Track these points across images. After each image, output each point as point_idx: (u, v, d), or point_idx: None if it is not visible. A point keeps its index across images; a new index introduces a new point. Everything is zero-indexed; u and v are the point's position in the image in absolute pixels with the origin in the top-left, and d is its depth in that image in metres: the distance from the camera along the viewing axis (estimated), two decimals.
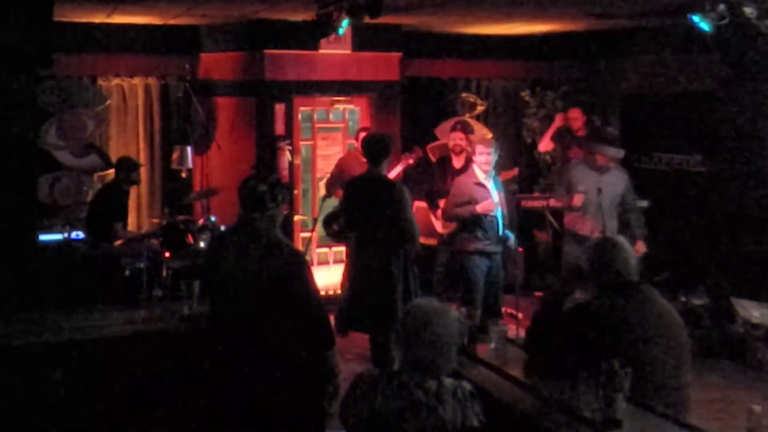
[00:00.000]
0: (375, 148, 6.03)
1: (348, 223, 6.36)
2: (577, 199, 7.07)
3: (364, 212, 6.00)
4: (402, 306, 5.69)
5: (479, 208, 6.71)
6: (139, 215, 8.77)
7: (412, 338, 3.01)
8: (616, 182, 7.14)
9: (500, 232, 6.86)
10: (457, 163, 7.74)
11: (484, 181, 6.82)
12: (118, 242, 7.21)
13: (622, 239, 3.88)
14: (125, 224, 7.63)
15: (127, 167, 7.55)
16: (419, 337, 2.99)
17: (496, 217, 6.83)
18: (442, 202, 7.73)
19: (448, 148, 7.96)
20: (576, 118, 8.83)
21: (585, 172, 7.21)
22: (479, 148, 6.90)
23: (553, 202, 7.48)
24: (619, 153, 7.36)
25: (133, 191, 8.61)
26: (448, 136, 8.07)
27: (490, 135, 9.55)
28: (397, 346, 3.07)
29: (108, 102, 8.59)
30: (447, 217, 7.13)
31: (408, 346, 3.02)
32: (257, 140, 8.43)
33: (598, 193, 6.93)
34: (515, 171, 8.09)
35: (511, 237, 6.99)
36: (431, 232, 7.80)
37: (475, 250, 6.82)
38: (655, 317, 3.62)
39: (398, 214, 5.79)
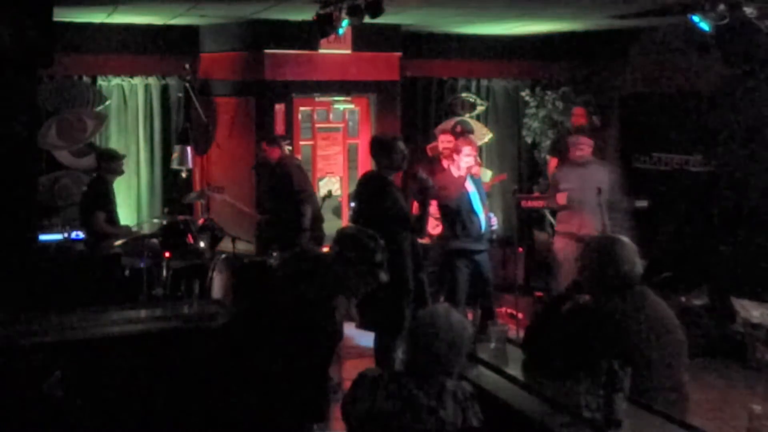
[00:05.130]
0: (372, 149, 6.04)
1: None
2: (560, 198, 7.16)
3: (363, 210, 6.01)
4: (411, 306, 5.66)
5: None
6: (139, 215, 8.76)
7: (423, 345, 3.00)
8: (598, 176, 7.25)
9: (481, 230, 6.81)
10: (446, 163, 7.78)
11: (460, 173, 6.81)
12: (117, 242, 7.19)
13: (625, 239, 3.86)
14: (112, 217, 7.47)
15: (107, 158, 7.47)
16: (431, 345, 2.98)
17: (476, 214, 6.78)
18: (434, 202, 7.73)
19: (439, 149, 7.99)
20: (580, 115, 9.02)
21: (568, 170, 7.36)
22: (466, 149, 6.86)
23: (547, 203, 7.51)
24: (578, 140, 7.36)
25: (133, 191, 8.64)
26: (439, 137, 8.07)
27: (490, 135, 9.56)
28: (406, 349, 3.06)
29: (108, 102, 8.59)
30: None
31: (418, 351, 3.01)
32: (257, 140, 8.43)
33: (598, 193, 6.98)
34: (503, 176, 8.06)
35: (493, 217, 6.92)
36: None
37: (455, 248, 6.79)
38: (651, 317, 3.61)
39: (390, 210, 5.74)
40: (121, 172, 7.71)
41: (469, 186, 6.80)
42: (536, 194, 8.49)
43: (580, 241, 7.24)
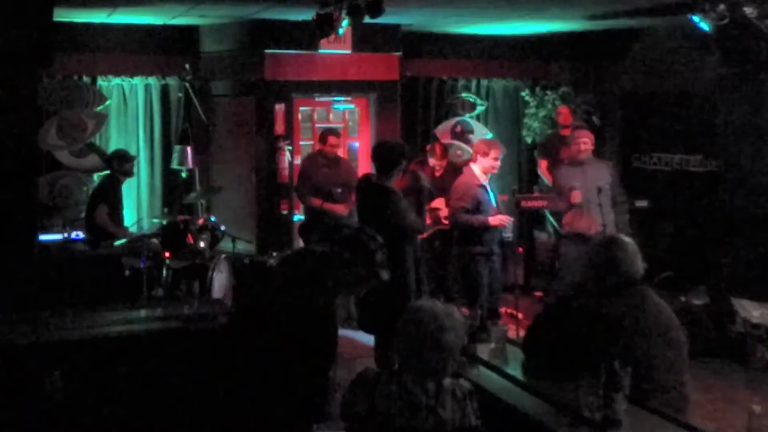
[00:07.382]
0: (374, 154, 5.93)
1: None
2: (575, 196, 7.10)
3: (368, 217, 5.96)
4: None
5: (492, 221, 6.75)
6: (139, 215, 8.76)
7: (416, 342, 2.99)
8: (599, 174, 7.24)
9: (501, 234, 6.94)
10: (437, 172, 7.87)
11: (486, 183, 6.86)
12: (117, 238, 7.19)
13: (627, 239, 3.86)
14: (115, 214, 7.62)
15: (119, 159, 7.73)
16: (425, 343, 2.97)
17: None
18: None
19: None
20: (565, 114, 9.03)
21: (568, 170, 7.32)
22: (493, 152, 6.88)
23: (551, 205, 7.47)
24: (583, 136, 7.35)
25: (133, 191, 8.63)
26: (448, 139, 8.10)
27: (489, 135, 9.55)
28: (398, 346, 3.05)
29: (108, 102, 8.59)
30: (455, 224, 7.07)
31: (412, 349, 3.00)
32: (257, 140, 8.43)
33: (598, 192, 6.97)
34: (504, 197, 8.06)
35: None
36: None
37: (479, 251, 6.85)
38: (652, 317, 3.61)
39: (401, 222, 5.69)
40: (132, 174, 7.94)
41: (489, 189, 6.92)
42: (536, 194, 8.43)
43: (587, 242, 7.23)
